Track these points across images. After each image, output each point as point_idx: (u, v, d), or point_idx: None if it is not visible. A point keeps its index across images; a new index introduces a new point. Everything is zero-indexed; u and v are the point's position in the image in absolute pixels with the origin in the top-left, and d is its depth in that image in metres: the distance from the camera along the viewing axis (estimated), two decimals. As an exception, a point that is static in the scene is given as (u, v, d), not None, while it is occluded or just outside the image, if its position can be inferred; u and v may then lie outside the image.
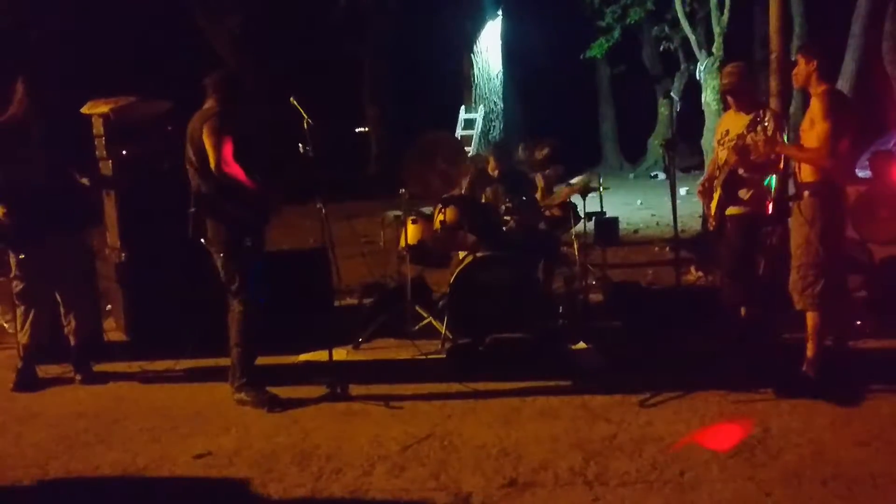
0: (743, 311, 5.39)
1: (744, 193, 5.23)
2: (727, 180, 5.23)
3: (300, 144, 5.08)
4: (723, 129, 5.43)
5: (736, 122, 5.27)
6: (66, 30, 11.91)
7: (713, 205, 5.33)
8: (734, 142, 5.14)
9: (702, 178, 5.60)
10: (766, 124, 4.97)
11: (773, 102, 7.32)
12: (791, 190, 4.96)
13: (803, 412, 4.41)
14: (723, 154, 5.30)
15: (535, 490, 3.69)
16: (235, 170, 4.74)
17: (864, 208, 8.78)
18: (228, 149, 4.72)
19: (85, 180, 5.40)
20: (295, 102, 5.20)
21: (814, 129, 4.57)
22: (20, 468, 4.17)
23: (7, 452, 4.36)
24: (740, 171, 5.18)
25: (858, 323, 5.63)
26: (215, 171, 4.73)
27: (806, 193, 4.66)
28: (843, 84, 11.93)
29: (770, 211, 5.38)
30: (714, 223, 5.38)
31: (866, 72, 12.41)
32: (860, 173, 10.10)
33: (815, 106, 4.59)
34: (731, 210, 5.28)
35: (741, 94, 5.31)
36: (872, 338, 5.56)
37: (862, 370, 4.89)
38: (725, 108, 6.47)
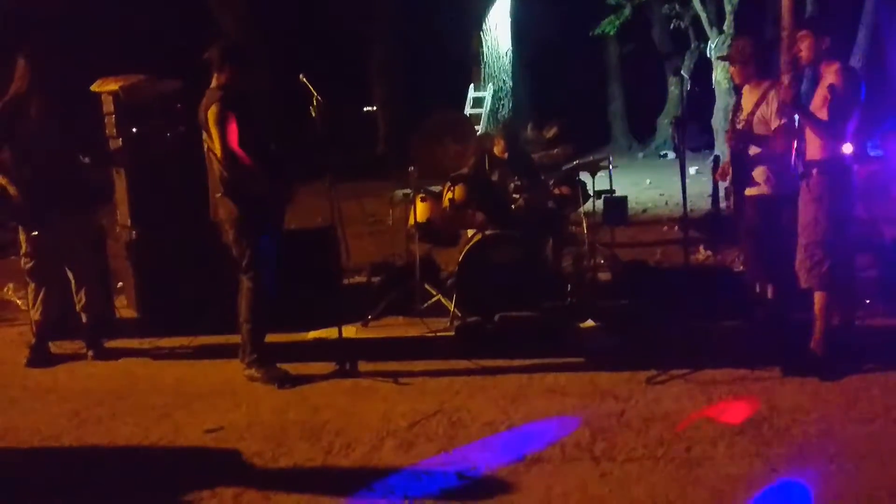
0: (770, 290, 5.34)
1: (758, 174, 5.14)
2: (736, 163, 5.18)
3: (315, 96, 5.04)
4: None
5: (749, 100, 5.22)
6: (69, 6, 11.86)
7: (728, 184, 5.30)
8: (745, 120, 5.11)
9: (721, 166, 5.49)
10: (774, 95, 4.95)
11: (784, 80, 7.27)
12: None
13: (810, 390, 4.43)
14: None
15: (542, 465, 3.72)
16: (241, 157, 4.73)
17: (876, 187, 8.74)
18: (233, 135, 4.70)
19: (87, 159, 5.38)
20: (304, 80, 5.19)
21: (826, 106, 4.53)
22: (34, 442, 4.22)
23: (21, 427, 4.41)
24: (750, 152, 5.14)
25: (867, 301, 5.63)
26: (221, 161, 4.75)
27: (814, 171, 4.65)
28: (856, 61, 11.85)
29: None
30: (729, 203, 5.33)
31: (879, 49, 12.31)
32: (872, 152, 10.04)
33: (832, 82, 4.55)
34: (750, 191, 5.17)
35: (743, 63, 5.18)
36: (881, 317, 5.55)
37: (869, 349, 4.88)
38: (735, 86, 6.39)
